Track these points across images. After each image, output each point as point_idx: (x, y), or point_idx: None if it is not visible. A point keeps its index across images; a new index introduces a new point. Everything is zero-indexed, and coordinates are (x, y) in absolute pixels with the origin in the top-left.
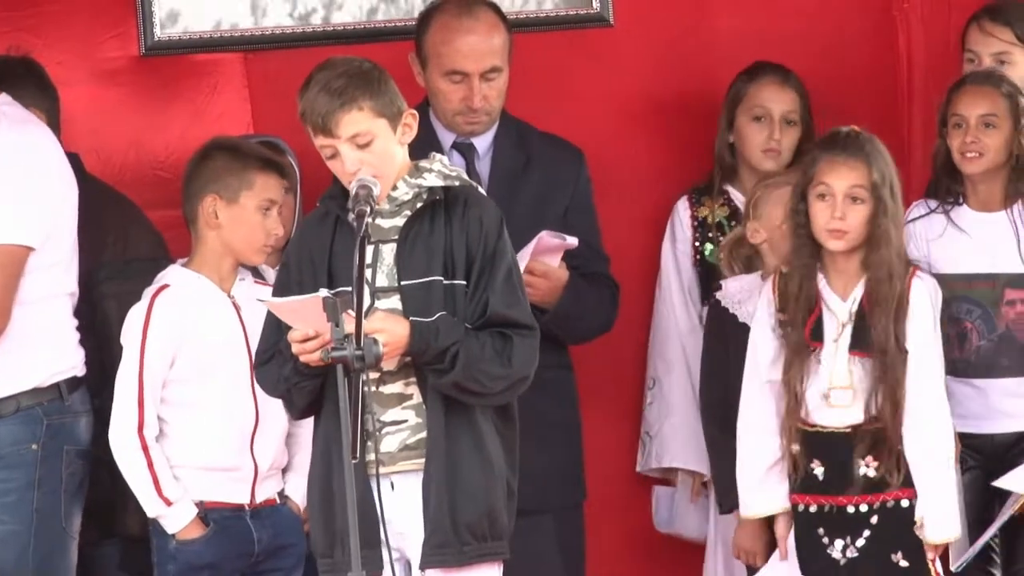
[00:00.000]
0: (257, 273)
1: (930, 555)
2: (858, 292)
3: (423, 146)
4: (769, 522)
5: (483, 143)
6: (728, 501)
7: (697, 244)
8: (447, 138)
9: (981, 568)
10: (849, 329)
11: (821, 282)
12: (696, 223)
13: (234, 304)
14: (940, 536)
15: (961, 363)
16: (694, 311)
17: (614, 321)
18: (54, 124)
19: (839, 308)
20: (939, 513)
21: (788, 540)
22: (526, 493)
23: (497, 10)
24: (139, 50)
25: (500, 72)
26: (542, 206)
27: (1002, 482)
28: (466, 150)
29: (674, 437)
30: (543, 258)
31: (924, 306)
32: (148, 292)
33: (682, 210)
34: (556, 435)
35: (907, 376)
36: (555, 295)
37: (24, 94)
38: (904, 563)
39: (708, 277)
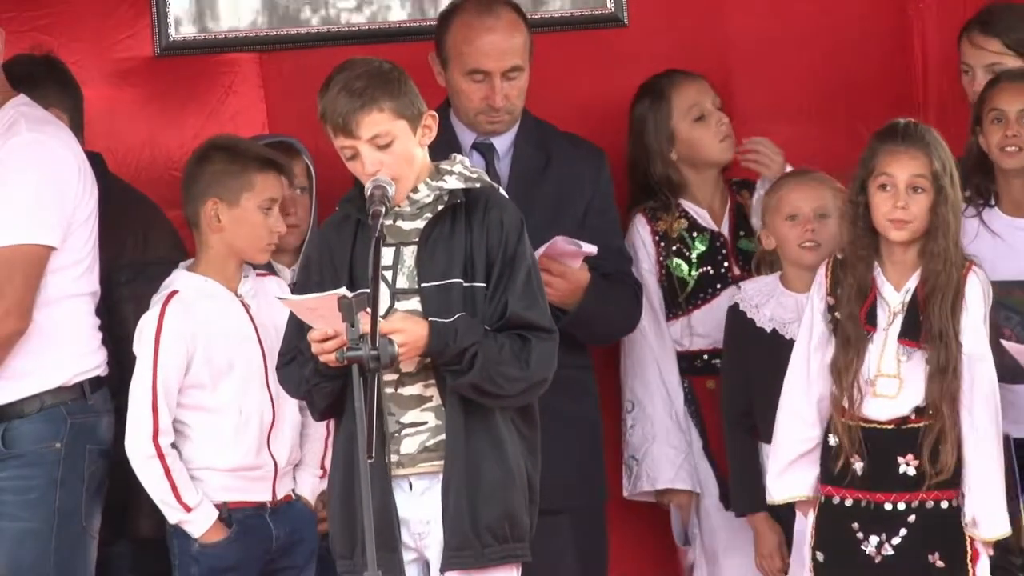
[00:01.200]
0: (270, 268)
1: (988, 552)
2: (912, 282)
3: (443, 146)
4: (784, 526)
5: (503, 143)
6: (743, 505)
7: (662, 259)
8: (467, 138)
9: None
10: (900, 318)
11: (876, 270)
12: (658, 238)
13: (243, 303)
14: (994, 532)
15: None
16: (665, 329)
17: (638, 321)
18: (77, 123)
19: (892, 297)
20: (992, 509)
21: (806, 532)
22: (547, 493)
23: (518, 9)
24: (154, 50)
25: (521, 71)
26: (561, 206)
27: None
28: (486, 150)
29: (664, 460)
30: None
31: (978, 300)
32: (157, 299)
33: (640, 228)
34: (576, 435)
35: (963, 370)
36: (575, 296)
37: (47, 93)
38: (941, 564)
39: (675, 291)
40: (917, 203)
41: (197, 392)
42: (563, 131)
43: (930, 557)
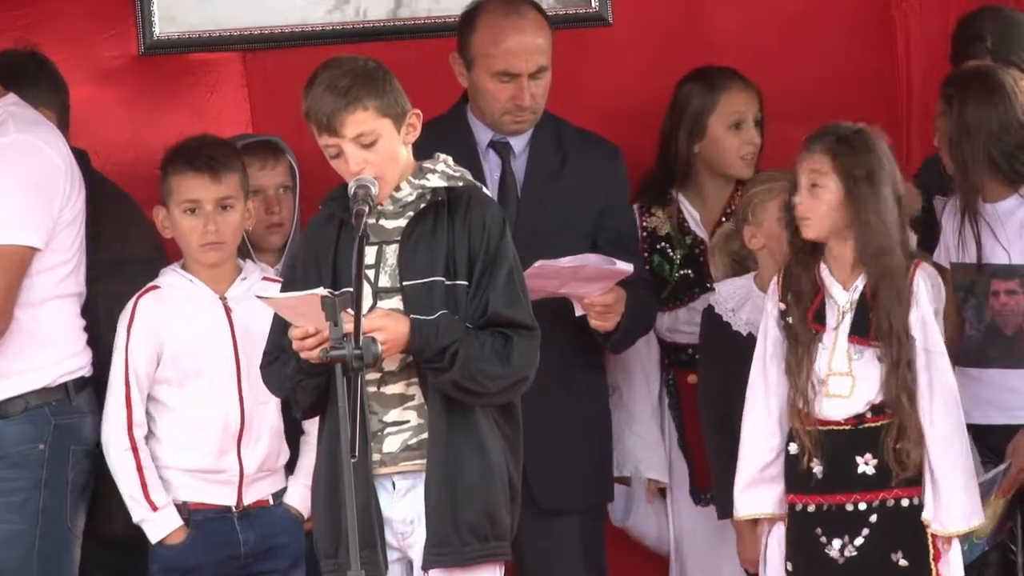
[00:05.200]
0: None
1: (946, 548)
2: (861, 281)
3: (460, 143)
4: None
5: (519, 142)
6: (728, 508)
7: (646, 255)
8: (484, 136)
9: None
10: (849, 317)
11: (824, 271)
12: (646, 234)
13: (225, 305)
14: (956, 528)
15: (958, 352)
16: None
17: (655, 321)
18: (64, 121)
19: (840, 296)
20: (955, 505)
21: (773, 545)
22: (554, 494)
23: (540, 9)
24: (138, 49)
25: (546, 71)
26: (577, 204)
27: None
28: (502, 149)
29: (637, 447)
30: (595, 286)
31: (926, 297)
32: (137, 293)
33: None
34: (586, 436)
35: (918, 365)
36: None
37: (35, 93)
38: (904, 562)
39: (656, 288)
40: (813, 200)
41: (163, 389)
42: (579, 128)
43: (893, 556)
